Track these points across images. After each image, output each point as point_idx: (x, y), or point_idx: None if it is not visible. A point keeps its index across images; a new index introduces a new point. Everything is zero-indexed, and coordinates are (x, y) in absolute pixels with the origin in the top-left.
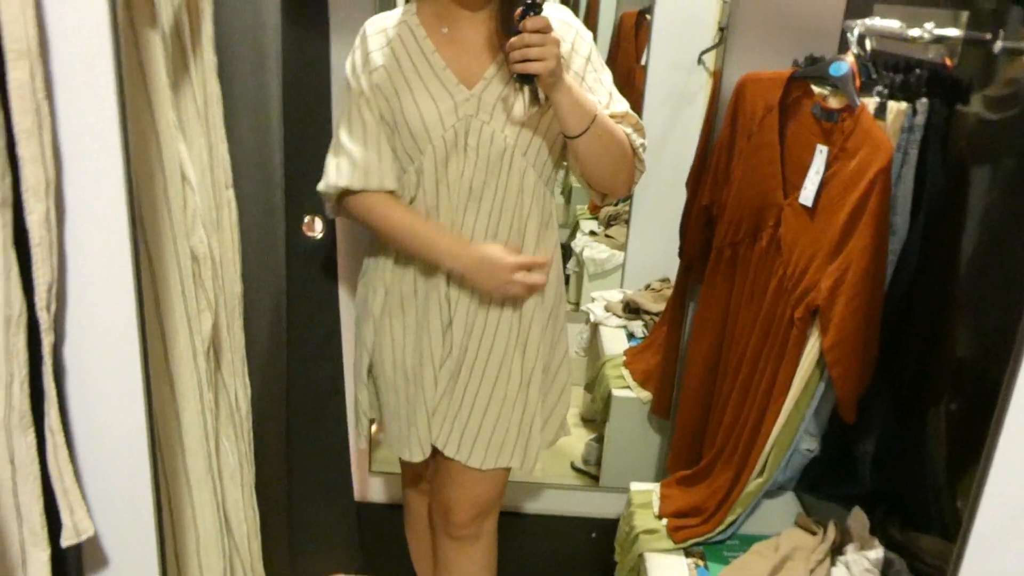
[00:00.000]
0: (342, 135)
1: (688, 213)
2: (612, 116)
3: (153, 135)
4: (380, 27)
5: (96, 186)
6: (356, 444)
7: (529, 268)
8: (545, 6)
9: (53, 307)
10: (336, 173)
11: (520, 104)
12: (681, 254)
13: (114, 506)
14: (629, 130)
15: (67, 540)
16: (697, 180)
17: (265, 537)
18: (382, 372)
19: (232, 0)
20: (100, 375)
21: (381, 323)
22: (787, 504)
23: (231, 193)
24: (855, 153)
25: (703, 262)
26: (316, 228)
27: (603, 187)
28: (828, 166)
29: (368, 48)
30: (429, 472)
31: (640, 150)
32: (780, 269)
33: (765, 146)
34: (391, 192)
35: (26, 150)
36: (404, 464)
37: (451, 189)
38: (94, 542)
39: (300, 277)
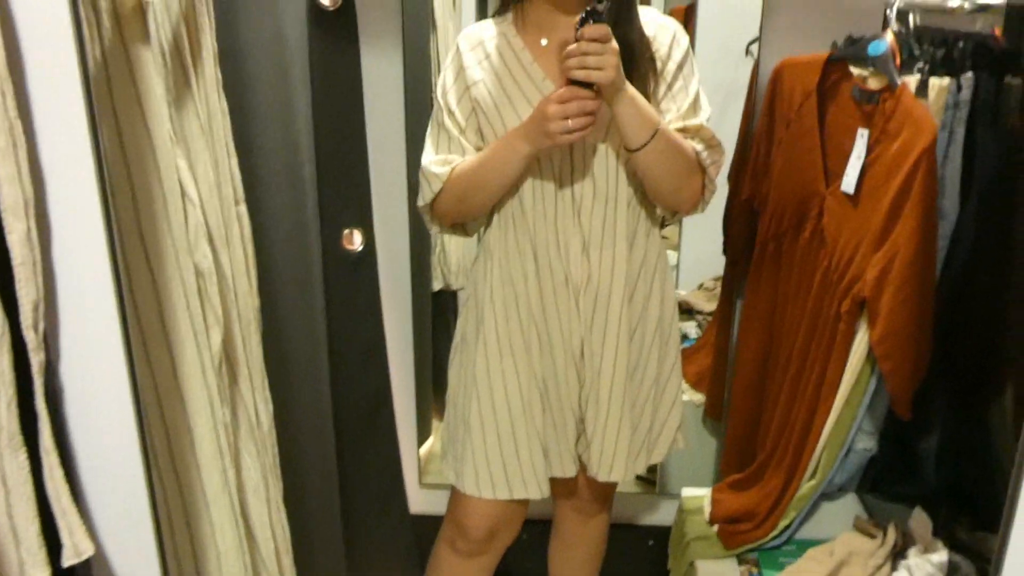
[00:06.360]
0: (426, 153)
1: (730, 207)
2: (685, 129)
3: (150, 151)
4: (476, 40)
5: (75, 204)
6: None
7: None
8: (645, 11)
9: (41, 326)
10: (427, 183)
11: None
12: (725, 250)
13: (116, 524)
14: (700, 147)
15: (67, 560)
16: (738, 173)
17: (317, 550)
18: (497, 405)
19: (248, 16)
20: (95, 392)
21: (503, 357)
22: (847, 506)
23: (242, 208)
24: (897, 135)
25: (748, 257)
26: (355, 241)
27: (666, 203)
28: (870, 150)
29: (464, 63)
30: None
31: (711, 168)
32: (825, 261)
33: (805, 133)
34: None
35: (1, 169)
36: (471, 526)
37: (558, 205)
38: (100, 560)
39: (341, 290)
